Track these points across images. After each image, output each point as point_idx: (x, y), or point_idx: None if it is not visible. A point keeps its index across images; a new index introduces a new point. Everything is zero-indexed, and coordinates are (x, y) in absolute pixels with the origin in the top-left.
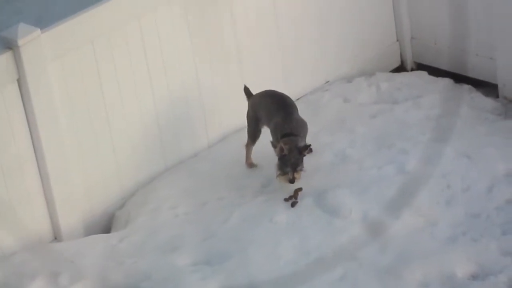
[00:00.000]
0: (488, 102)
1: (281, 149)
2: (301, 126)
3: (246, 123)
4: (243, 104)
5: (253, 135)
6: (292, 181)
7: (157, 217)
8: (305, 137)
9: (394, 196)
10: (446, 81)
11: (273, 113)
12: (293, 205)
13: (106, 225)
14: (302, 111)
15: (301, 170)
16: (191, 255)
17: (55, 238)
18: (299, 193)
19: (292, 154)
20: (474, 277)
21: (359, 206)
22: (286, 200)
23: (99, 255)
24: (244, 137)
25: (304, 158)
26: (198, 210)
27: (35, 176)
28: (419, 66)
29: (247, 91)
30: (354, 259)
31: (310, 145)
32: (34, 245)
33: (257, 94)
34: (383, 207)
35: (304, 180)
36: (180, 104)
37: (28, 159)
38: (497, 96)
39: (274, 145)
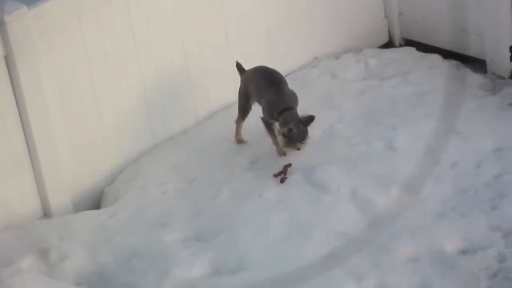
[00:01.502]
0: (476, 77)
1: (290, 130)
2: (294, 99)
3: (234, 99)
4: (231, 80)
5: (244, 110)
6: (299, 149)
7: (146, 194)
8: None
9: (383, 172)
10: (435, 57)
11: (264, 89)
12: (282, 181)
13: (95, 201)
14: (291, 88)
15: (308, 139)
16: (180, 232)
17: (45, 215)
18: (288, 169)
19: (299, 130)
20: (464, 252)
21: (347, 182)
22: (275, 176)
23: (89, 232)
24: (233, 113)
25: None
26: (187, 187)
27: (23, 153)
28: (407, 42)
29: (239, 66)
30: (343, 235)
31: (313, 116)
32: (23, 222)
33: (248, 70)
34: (371, 183)
35: (293, 156)
36: (168, 81)
37: (15, 135)
38: (486, 72)
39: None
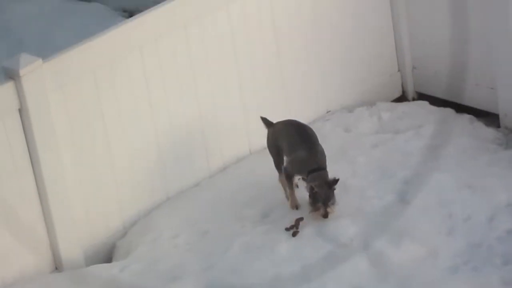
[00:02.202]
0: (489, 132)
1: (311, 188)
2: (324, 158)
3: (248, 153)
4: (244, 133)
5: (279, 164)
6: (325, 215)
7: (158, 247)
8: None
9: (396, 225)
10: (447, 111)
11: (297, 144)
12: (294, 234)
13: (107, 255)
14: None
15: (333, 204)
16: (191, 285)
17: (56, 268)
18: (300, 222)
19: (322, 190)
20: None
21: (360, 235)
22: (287, 229)
23: (100, 285)
24: (245, 166)
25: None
26: (199, 240)
27: (36, 207)
28: (421, 96)
29: (265, 120)
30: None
31: (338, 179)
32: (35, 276)
33: (278, 123)
34: (384, 236)
35: (305, 210)
36: (181, 133)
37: (29, 189)
38: (499, 126)
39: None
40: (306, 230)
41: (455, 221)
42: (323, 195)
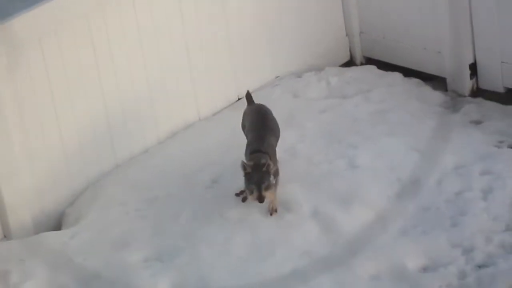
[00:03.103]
0: (436, 95)
1: (244, 168)
2: (271, 148)
3: (197, 119)
4: (193, 100)
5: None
6: (260, 199)
7: (108, 214)
8: (275, 163)
9: (345, 190)
10: (395, 75)
11: (251, 129)
12: (244, 200)
13: (56, 222)
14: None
15: (268, 188)
16: (142, 252)
17: (5, 236)
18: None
19: (256, 171)
20: (425, 269)
21: (309, 200)
22: (237, 195)
23: (50, 253)
24: (195, 133)
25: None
26: (148, 207)
27: None
28: (368, 61)
29: (248, 97)
30: (305, 253)
31: (270, 163)
32: None
33: (253, 105)
34: (333, 202)
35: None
36: (129, 100)
37: None
38: (446, 90)
39: (243, 166)
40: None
41: (403, 184)
42: (255, 177)
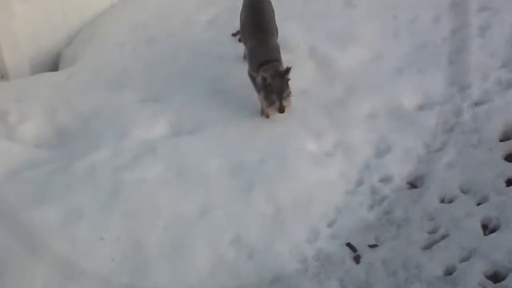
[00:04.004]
0: None
1: (264, 79)
2: (278, 51)
3: None
4: None
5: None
6: (282, 110)
7: (104, 54)
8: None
9: (341, 29)
10: None
11: (250, 33)
12: (241, 40)
13: (53, 63)
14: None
15: (288, 96)
16: (139, 93)
17: (2, 77)
18: None
19: (275, 81)
20: (421, 107)
21: (306, 39)
22: (234, 35)
23: (47, 94)
24: None
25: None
26: (145, 47)
27: None
28: None
29: None
30: (302, 93)
31: (290, 67)
32: None
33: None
34: (330, 40)
35: None
36: None
37: None
38: None
39: (250, 74)
40: None
41: (400, 23)
42: (276, 86)
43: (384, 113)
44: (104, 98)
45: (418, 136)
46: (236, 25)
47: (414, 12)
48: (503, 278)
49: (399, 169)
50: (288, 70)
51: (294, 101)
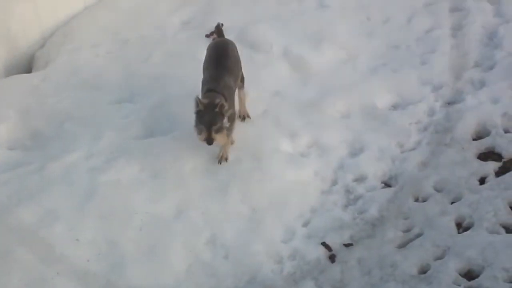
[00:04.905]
0: None
1: (196, 104)
2: (228, 90)
3: None
4: None
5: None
6: (209, 141)
7: (78, 56)
8: (231, 105)
9: (315, 29)
10: None
11: (207, 67)
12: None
13: (26, 65)
14: None
15: (220, 130)
16: (113, 94)
17: None
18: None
19: (208, 111)
20: (395, 107)
21: (280, 40)
22: (207, 36)
23: (21, 96)
24: None
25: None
26: (120, 49)
27: None
28: None
29: (218, 30)
30: (276, 94)
31: (223, 103)
32: None
33: (216, 40)
34: (304, 41)
35: (224, 14)
36: None
37: None
38: None
39: (196, 102)
40: (227, 36)
41: (373, 23)
42: (208, 116)
43: (358, 113)
44: (78, 99)
45: (392, 135)
46: (209, 26)
47: (387, 13)
48: (477, 276)
49: (374, 168)
50: (221, 105)
51: (231, 139)
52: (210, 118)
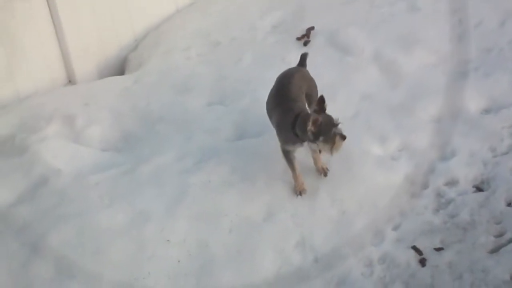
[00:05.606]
0: None
1: (315, 121)
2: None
3: None
4: None
5: None
6: (344, 137)
7: (170, 59)
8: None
9: (406, 33)
10: None
11: (273, 109)
12: (305, 44)
13: (119, 68)
14: None
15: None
16: (204, 96)
17: (69, 82)
18: (312, 32)
19: (324, 117)
20: (487, 111)
21: (371, 44)
22: (298, 39)
23: (114, 98)
24: None
25: None
26: (210, 51)
27: (47, 21)
28: None
29: (302, 58)
30: (367, 97)
31: (322, 96)
32: (49, 89)
33: (293, 69)
34: (395, 45)
35: (316, 19)
36: None
37: (41, 4)
38: None
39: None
40: (317, 39)
41: (465, 27)
42: (327, 120)
43: (449, 118)
44: (169, 101)
45: (484, 139)
46: (300, 29)
47: (479, 16)
48: None
49: (465, 172)
50: (321, 100)
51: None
52: (330, 121)
